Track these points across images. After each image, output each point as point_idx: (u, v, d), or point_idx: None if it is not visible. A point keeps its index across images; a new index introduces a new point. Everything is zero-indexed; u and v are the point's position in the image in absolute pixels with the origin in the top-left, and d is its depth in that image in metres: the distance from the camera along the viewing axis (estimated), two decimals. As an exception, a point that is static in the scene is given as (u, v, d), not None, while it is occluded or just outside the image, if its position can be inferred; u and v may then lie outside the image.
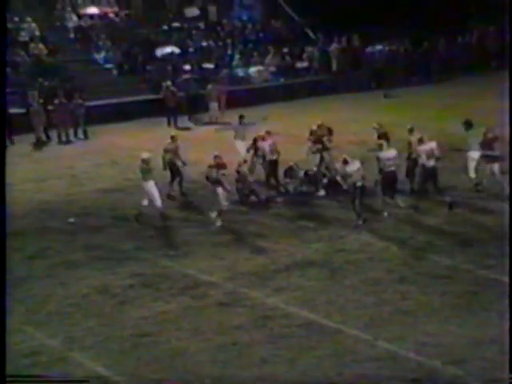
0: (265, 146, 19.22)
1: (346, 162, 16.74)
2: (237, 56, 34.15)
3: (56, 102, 27.65)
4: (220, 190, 17.06)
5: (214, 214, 17.17)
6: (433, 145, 17.38)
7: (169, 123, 29.02)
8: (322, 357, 11.10)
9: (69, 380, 10.95)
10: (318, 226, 16.72)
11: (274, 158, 19.09)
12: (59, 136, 27.48)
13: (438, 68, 35.78)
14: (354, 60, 35.66)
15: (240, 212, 17.90)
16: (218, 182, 17.02)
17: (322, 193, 18.74)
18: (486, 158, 17.97)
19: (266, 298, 13.23)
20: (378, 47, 36.07)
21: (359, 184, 16.50)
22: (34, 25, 32.78)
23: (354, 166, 16.61)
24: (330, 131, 19.41)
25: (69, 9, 34.45)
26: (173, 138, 19.45)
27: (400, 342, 11.41)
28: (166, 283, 14.04)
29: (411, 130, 18.30)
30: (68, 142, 27.36)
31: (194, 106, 29.96)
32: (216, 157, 17.23)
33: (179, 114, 29.32)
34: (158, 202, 17.53)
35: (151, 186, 17.52)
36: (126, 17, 35.46)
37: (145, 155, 17.75)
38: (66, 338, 12.14)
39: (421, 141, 17.35)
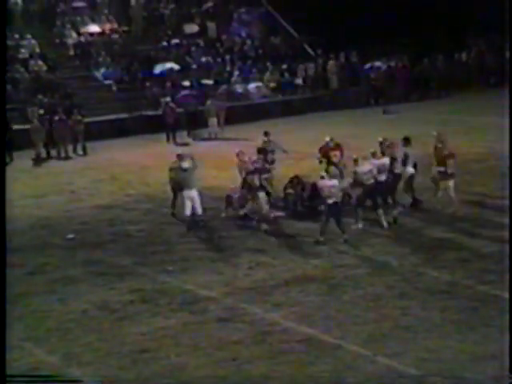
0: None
1: (322, 178, 16.77)
2: (236, 72, 34.26)
3: (55, 118, 27.72)
4: (262, 194, 17.14)
5: (264, 226, 17.18)
6: (383, 161, 17.49)
7: (168, 139, 29.10)
8: (321, 372, 11.05)
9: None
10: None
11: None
12: (58, 152, 27.53)
13: (437, 84, 35.90)
14: (353, 76, 35.79)
15: (239, 227, 17.91)
16: (260, 188, 17.07)
17: (322, 207, 18.70)
18: (441, 175, 17.98)
19: (266, 313, 13.18)
20: (377, 64, 36.21)
21: (330, 201, 16.47)
22: (33, 41, 32.95)
23: (328, 183, 16.60)
24: (338, 147, 19.44)
25: (68, 26, 34.60)
26: (179, 156, 18.88)
27: (400, 357, 11.35)
28: (165, 299, 14.00)
29: (382, 143, 18.32)
30: (67, 158, 27.40)
31: (193, 122, 30.03)
32: (254, 162, 17.30)
33: (178, 129, 29.38)
34: (193, 211, 17.80)
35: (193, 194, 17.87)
36: (125, 33, 35.60)
37: (186, 164, 17.95)
38: (65, 354, 12.07)
39: (374, 155, 17.49)
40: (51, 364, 11.77)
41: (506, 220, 16.66)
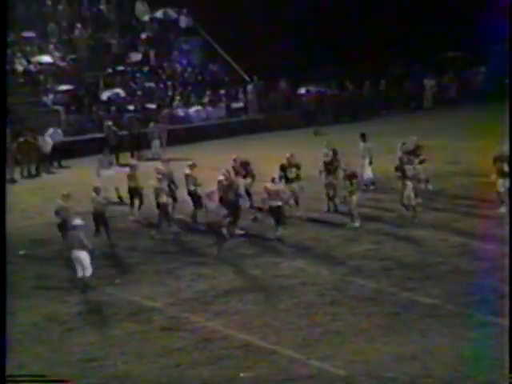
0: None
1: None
2: (177, 97, 34.36)
3: (8, 141, 27.27)
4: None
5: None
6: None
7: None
8: (258, 376, 11.11)
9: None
10: (255, 253, 16.78)
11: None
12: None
13: (364, 108, 36.50)
14: (285, 101, 36.25)
15: (182, 241, 17.90)
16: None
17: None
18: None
19: (207, 321, 13.21)
20: (309, 88, 36.70)
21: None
22: (-17, 68, 32.33)
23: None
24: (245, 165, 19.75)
25: (18, 54, 34.09)
26: (132, 166, 20.25)
27: (331, 360, 11.50)
28: (112, 310, 13.91)
29: (192, 166, 19.06)
30: (13, 181, 26.88)
31: (137, 144, 29.99)
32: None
33: (120, 151, 29.22)
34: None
35: None
36: (72, 61, 35.27)
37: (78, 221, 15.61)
38: (14, 365, 11.84)
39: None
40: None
41: (424, 232, 17.03)
